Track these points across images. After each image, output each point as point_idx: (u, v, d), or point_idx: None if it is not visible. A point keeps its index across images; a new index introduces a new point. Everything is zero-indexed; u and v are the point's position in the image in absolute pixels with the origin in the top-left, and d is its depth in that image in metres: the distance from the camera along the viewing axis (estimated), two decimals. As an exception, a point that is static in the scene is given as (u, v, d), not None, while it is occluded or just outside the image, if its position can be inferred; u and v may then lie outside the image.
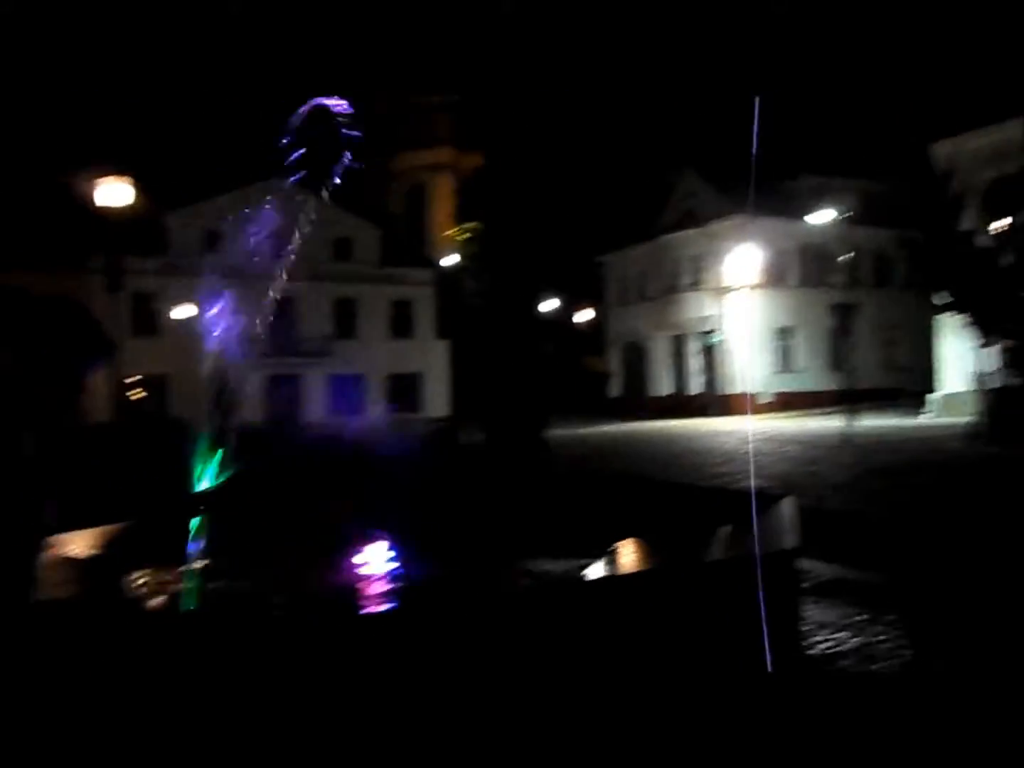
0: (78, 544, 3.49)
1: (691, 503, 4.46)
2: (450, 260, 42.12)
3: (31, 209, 31.70)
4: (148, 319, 33.36)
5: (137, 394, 29.22)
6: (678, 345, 38.38)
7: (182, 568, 3.75)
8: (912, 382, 30.96)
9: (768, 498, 3.88)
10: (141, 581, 3.44)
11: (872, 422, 20.82)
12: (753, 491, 3.50)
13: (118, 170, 14.19)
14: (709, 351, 36.39)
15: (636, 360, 41.19)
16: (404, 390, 39.37)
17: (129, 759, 2.32)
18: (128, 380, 18.60)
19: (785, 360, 35.97)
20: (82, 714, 2.32)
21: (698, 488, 8.02)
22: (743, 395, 33.44)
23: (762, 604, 2.72)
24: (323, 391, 37.61)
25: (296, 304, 34.59)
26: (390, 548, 3.85)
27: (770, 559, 2.97)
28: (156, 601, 3.32)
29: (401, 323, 41.60)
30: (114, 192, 13.93)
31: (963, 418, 18.53)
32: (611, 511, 4.12)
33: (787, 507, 3.68)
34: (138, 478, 2.79)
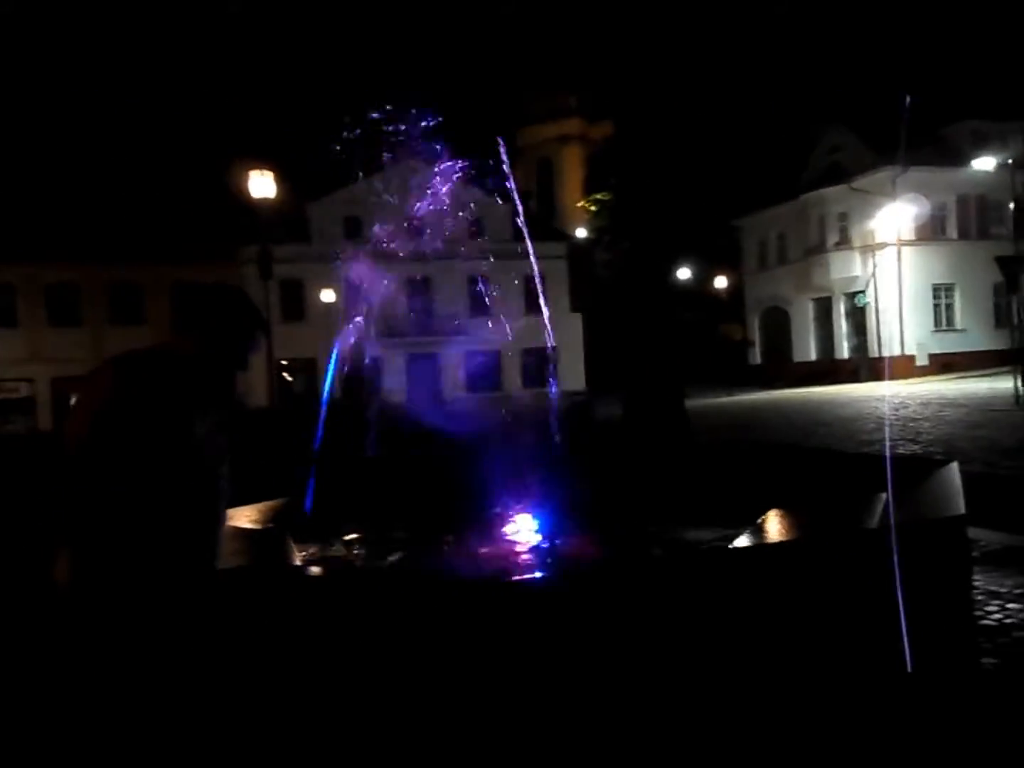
0: (245, 517, 3.74)
1: (842, 471, 4.27)
2: (581, 232, 41.82)
3: (190, 205, 33.93)
4: (295, 304, 35.06)
5: (286, 377, 30.92)
6: (823, 308, 36.57)
7: (339, 539, 3.97)
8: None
9: (928, 464, 3.66)
10: (303, 552, 3.65)
11: (1046, 383, 19.14)
12: (911, 457, 3.31)
13: (262, 163, 14.92)
14: (858, 313, 34.49)
15: (777, 326, 39.58)
16: (539, 365, 39.61)
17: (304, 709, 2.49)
18: (280, 363, 19.72)
19: (943, 319, 33.60)
20: (260, 673, 2.51)
21: (850, 455, 7.65)
22: (897, 358, 31.53)
23: (900, 599, 2.53)
24: (459, 368, 38.39)
25: (431, 283, 35.44)
26: (536, 518, 3.90)
27: (935, 527, 2.81)
28: (316, 570, 3.51)
29: (534, 298, 41.73)
30: (261, 184, 14.69)
31: None
32: (758, 480, 4.01)
33: (950, 473, 3.46)
34: (301, 455, 2.96)
